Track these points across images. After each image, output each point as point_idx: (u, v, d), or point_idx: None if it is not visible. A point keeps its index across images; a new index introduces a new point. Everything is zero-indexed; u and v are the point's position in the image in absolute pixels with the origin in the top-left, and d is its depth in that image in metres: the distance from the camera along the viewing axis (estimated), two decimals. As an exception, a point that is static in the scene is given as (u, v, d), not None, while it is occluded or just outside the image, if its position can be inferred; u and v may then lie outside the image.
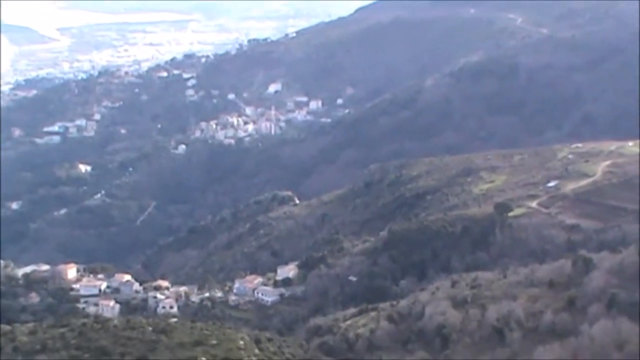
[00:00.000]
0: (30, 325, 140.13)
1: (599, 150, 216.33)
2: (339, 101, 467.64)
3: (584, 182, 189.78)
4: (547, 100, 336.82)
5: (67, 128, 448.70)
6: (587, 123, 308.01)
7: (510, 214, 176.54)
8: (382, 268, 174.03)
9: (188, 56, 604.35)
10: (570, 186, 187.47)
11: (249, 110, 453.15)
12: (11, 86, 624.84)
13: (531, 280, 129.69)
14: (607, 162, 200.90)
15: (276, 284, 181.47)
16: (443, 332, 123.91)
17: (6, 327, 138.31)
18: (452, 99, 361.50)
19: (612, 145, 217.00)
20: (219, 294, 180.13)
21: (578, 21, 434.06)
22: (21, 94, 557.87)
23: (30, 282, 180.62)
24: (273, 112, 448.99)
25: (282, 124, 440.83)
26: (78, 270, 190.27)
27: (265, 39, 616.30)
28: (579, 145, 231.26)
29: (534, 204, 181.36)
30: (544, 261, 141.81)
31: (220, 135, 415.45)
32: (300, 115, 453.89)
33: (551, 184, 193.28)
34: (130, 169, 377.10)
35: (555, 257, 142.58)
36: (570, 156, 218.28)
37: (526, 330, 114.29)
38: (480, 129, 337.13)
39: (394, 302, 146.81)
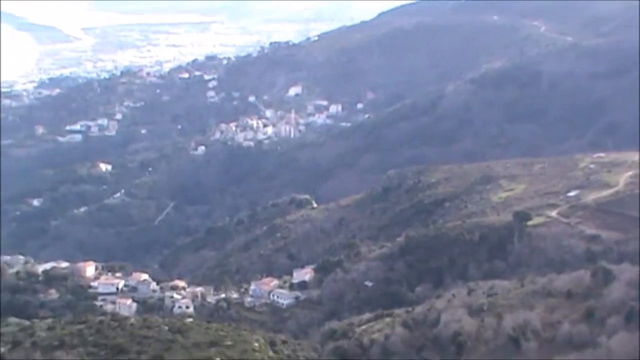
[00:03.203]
0: (49, 321, 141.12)
1: (622, 161, 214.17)
2: (359, 105, 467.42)
3: (605, 192, 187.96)
4: (570, 108, 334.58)
5: (89, 127, 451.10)
6: (610, 132, 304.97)
7: (529, 222, 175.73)
8: (399, 274, 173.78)
9: (210, 58, 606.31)
10: (591, 196, 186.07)
11: (269, 113, 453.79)
12: (35, 84, 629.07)
13: (549, 290, 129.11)
14: (630, 173, 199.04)
15: (292, 287, 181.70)
16: (458, 339, 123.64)
17: (25, 323, 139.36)
18: (472, 106, 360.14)
19: (635, 156, 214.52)
20: (235, 295, 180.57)
21: (603, 29, 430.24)
22: (45, 92, 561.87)
23: (50, 278, 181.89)
24: (293, 115, 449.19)
25: (302, 128, 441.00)
26: (96, 268, 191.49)
27: (287, 42, 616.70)
28: (602, 154, 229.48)
29: (553, 213, 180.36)
30: (563, 271, 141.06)
31: (240, 137, 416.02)
32: (320, 119, 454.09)
33: (572, 193, 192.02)
34: (150, 168, 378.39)
35: (574, 267, 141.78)
36: (592, 166, 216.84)
37: (543, 340, 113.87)
38: (500, 136, 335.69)
39: (410, 309, 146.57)
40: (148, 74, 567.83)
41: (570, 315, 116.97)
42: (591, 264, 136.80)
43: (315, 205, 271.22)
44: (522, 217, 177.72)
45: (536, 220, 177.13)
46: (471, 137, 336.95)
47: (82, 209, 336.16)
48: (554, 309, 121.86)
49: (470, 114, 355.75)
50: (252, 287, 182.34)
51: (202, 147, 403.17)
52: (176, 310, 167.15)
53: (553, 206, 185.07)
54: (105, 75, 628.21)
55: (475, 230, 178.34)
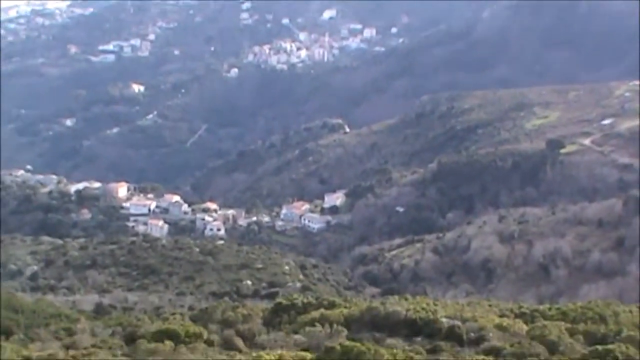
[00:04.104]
0: (81, 240, 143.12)
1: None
2: (393, 30, 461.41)
3: None
4: (608, 34, 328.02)
5: (121, 47, 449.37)
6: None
7: (562, 150, 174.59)
8: (430, 200, 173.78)
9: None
10: (625, 125, 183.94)
11: (302, 36, 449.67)
12: (68, 3, 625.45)
13: (580, 219, 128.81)
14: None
15: (323, 212, 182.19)
16: (488, 266, 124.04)
17: (58, 242, 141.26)
18: (508, 31, 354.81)
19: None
20: (266, 218, 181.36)
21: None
22: (78, 11, 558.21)
23: (82, 198, 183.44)
24: (327, 39, 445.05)
25: (335, 51, 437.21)
26: (128, 189, 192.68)
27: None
28: (637, 82, 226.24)
29: (586, 141, 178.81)
30: (594, 200, 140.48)
31: (273, 60, 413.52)
32: (353, 43, 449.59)
33: (606, 121, 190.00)
34: (183, 90, 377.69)
35: (605, 196, 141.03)
36: (627, 94, 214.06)
37: (572, 268, 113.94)
38: (536, 63, 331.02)
39: (440, 235, 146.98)
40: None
41: (601, 244, 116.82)
42: (623, 193, 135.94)
43: (347, 129, 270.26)
44: (555, 144, 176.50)
45: (569, 148, 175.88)
46: (506, 63, 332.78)
47: (115, 130, 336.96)
48: (585, 237, 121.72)
49: (506, 40, 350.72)
50: (283, 210, 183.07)
51: (235, 70, 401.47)
52: (207, 232, 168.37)
53: (586, 134, 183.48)
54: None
55: (508, 158, 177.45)
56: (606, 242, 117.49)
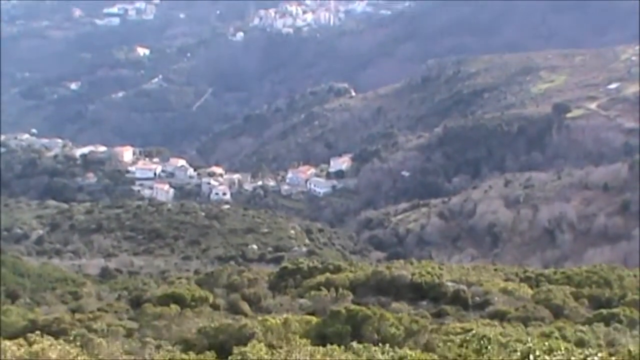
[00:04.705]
0: (87, 205, 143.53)
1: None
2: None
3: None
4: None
5: (126, 10, 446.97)
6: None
7: (568, 115, 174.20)
8: (436, 164, 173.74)
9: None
10: (631, 89, 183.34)
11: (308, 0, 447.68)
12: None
13: (585, 183, 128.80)
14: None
15: (329, 176, 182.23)
16: (493, 230, 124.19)
17: (64, 206, 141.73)
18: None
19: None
20: (272, 183, 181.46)
21: None
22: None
23: (88, 162, 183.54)
24: (332, 2, 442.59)
25: (341, 15, 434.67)
26: (134, 153, 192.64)
27: None
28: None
29: (593, 105, 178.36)
30: (600, 164, 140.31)
31: (279, 24, 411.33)
32: (359, 7, 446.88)
33: (612, 85, 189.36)
34: (188, 54, 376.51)
35: (611, 160, 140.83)
36: (633, 58, 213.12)
37: (577, 232, 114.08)
38: (542, 27, 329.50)
39: (446, 199, 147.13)
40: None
41: (606, 208, 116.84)
42: (628, 157, 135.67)
43: (353, 94, 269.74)
44: (561, 109, 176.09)
45: (575, 112, 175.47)
46: (513, 27, 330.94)
47: (120, 94, 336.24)
48: (590, 202, 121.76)
49: (513, 4, 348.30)
50: (289, 175, 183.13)
51: (241, 34, 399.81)
52: (213, 196, 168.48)
53: (592, 98, 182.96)
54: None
55: (514, 122, 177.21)
56: (611, 207, 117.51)
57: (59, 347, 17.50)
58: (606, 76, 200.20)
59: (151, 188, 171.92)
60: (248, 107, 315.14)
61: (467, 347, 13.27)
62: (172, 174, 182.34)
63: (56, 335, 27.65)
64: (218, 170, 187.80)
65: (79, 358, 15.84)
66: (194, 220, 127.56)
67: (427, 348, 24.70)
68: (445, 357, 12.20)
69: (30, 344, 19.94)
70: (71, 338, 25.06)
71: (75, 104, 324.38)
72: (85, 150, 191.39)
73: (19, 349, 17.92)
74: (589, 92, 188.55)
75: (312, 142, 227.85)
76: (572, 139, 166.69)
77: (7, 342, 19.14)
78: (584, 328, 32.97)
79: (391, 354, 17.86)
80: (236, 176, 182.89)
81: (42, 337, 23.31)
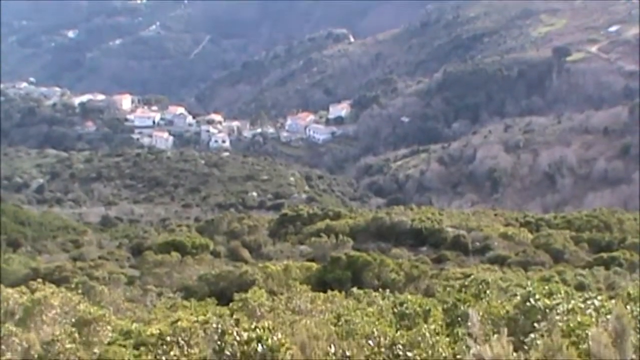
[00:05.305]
0: (86, 153, 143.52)
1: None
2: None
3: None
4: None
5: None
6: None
7: (569, 58, 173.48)
8: (435, 110, 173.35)
9: None
10: (632, 31, 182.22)
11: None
12: None
13: (586, 127, 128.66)
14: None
15: (328, 122, 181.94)
16: (493, 175, 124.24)
17: (63, 155, 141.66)
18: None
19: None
20: (271, 130, 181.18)
21: None
22: None
23: (86, 111, 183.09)
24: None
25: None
26: (133, 101, 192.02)
27: None
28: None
29: (593, 48, 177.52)
30: (600, 108, 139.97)
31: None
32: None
33: (613, 28, 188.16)
34: (186, 1, 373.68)
35: (611, 103, 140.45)
36: (634, 0, 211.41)
37: (577, 176, 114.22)
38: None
39: (446, 144, 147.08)
40: None
41: (606, 152, 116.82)
42: (629, 101, 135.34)
43: (352, 39, 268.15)
44: (562, 52, 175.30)
45: (575, 56, 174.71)
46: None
47: (117, 41, 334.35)
48: (590, 146, 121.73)
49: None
50: (288, 121, 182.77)
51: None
52: (212, 144, 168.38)
53: (593, 41, 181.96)
54: None
55: (514, 66, 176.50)
56: (611, 151, 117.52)
57: (60, 294, 17.54)
58: (607, 19, 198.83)
59: (150, 136, 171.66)
60: (246, 54, 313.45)
61: (465, 292, 13.30)
62: (171, 122, 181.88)
63: (58, 283, 27.72)
64: (217, 117, 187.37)
65: (81, 305, 15.90)
66: (193, 167, 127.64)
67: (428, 293, 24.79)
68: (445, 301, 12.22)
69: (32, 292, 20.01)
70: (73, 286, 25.13)
71: (72, 52, 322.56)
72: (84, 98, 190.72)
73: (21, 297, 17.99)
74: (589, 35, 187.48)
75: (310, 88, 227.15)
76: (573, 82, 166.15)
77: (9, 290, 19.20)
78: (584, 272, 33.10)
79: (392, 299, 17.93)
80: (235, 123, 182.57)
81: (44, 284, 23.39)
